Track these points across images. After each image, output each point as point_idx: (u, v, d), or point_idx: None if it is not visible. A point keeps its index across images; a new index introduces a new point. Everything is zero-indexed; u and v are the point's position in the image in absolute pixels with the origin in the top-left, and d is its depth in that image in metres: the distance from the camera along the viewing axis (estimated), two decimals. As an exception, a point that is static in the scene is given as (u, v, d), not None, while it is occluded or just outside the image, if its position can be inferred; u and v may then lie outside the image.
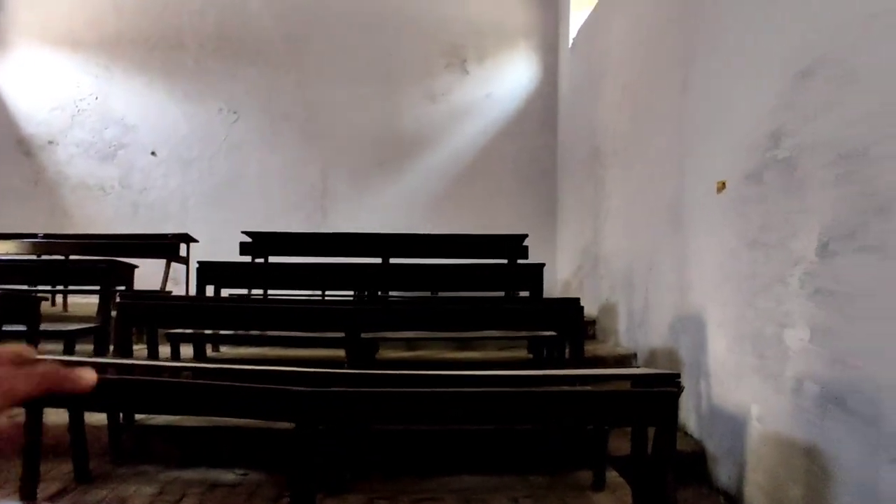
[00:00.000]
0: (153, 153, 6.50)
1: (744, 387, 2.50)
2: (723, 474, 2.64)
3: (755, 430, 2.41)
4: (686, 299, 3.09)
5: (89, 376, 0.50)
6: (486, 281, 3.74)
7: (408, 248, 4.37)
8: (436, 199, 6.56)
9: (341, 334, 2.82)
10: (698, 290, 2.97)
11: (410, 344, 4.02)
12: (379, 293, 3.91)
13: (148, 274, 4.26)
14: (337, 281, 3.73)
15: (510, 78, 6.69)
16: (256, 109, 6.58)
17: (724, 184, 2.72)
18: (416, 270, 3.74)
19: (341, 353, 2.98)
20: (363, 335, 2.87)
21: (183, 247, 4.69)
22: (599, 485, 2.44)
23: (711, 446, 2.78)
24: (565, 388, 2.10)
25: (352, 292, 4.21)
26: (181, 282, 4.81)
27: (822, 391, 1.99)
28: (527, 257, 4.17)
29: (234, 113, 6.57)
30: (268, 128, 6.57)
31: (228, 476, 2.53)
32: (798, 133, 2.19)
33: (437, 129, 6.63)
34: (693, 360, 2.97)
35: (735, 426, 2.54)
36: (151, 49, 6.54)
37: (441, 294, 4.20)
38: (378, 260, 4.19)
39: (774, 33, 2.39)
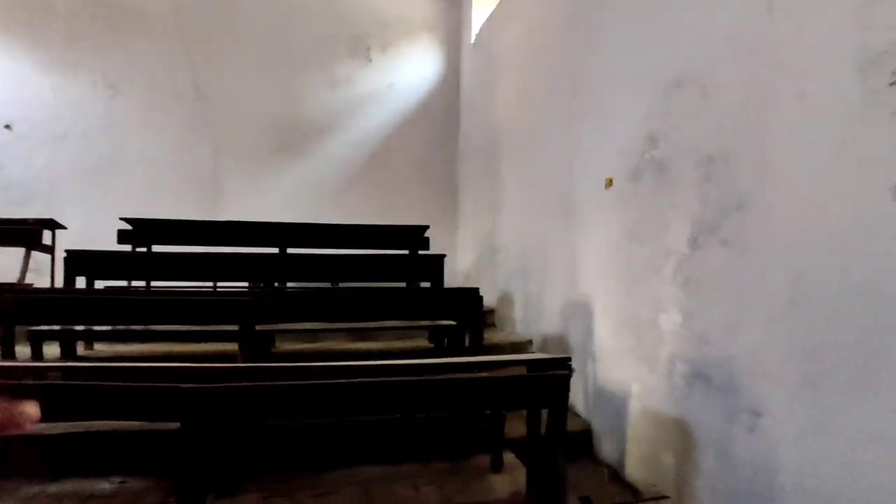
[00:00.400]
0: (7, 126, 5.72)
1: (624, 368, 2.72)
2: (607, 449, 2.86)
3: (634, 407, 2.63)
4: (575, 288, 3.30)
5: (34, 412, 0.43)
6: (388, 271, 3.73)
7: (307, 238, 4.23)
8: (337, 189, 6.41)
9: (235, 327, 2.68)
10: (586, 279, 3.17)
11: (310, 336, 3.91)
12: (276, 284, 3.77)
13: (2, 265, 3.76)
14: (229, 271, 3.53)
15: (413, 69, 6.68)
16: (139, 85, 6.01)
17: (611, 180, 2.92)
18: (315, 261, 3.64)
19: (236, 347, 2.83)
20: (258, 327, 2.75)
21: (47, 234, 4.19)
22: (497, 467, 2.54)
23: (597, 424, 2.99)
24: (465, 375, 2.15)
25: (247, 284, 4.01)
26: (45, 273, 4.28)
27: (691, 369, 2.21)
28: (428, 248, 4.21)
29: (112, 88, 5.96)
30: (153, 106, 6.03)
31: (104, 486, 2.31)
32: (670, 137, 2.41)
33: (339, 117, 6.48)
34: (581, 344, 3.18)
35: (617, 404, 2.76)
36: (9, 10, 5.74)
37: (342, 285, 4.13)
38: (275, 250, 4.03)
39: (650, 46, 2.60)
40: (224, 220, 4.54)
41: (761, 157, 1.91)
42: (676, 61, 2.38)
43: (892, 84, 1.51)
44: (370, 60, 6.56)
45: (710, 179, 2.15)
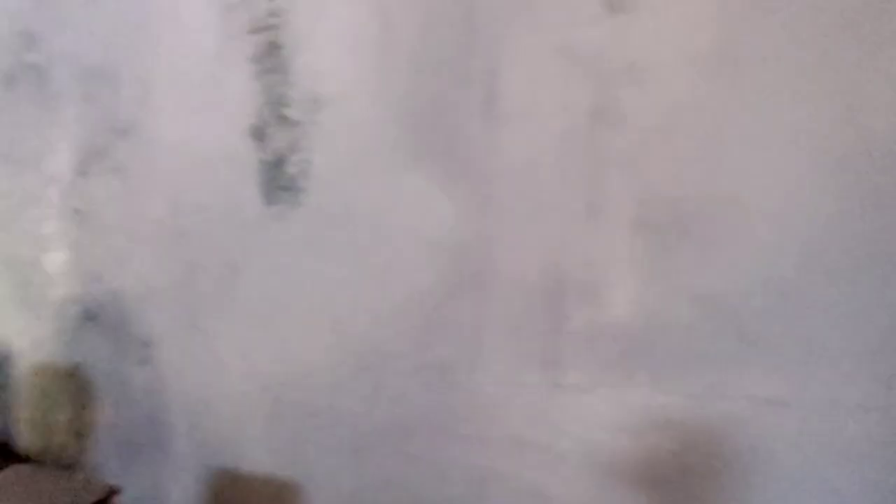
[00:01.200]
0: None
1: (7, 322, 2.24)
2: (-11, 423, 2.33)
3: (23, 365, 2.22)
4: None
5: None
6: None
7: None
8: None
9: None
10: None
11: None
12: None
13: None
14: None
15: None
16: None
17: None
18: None
19: None
20: None
21: None
22: None
23: (-24, 396, 2.39)
24: None
25: None
26: None
27: (82, 310, 2.01)
28: None
29: None
30: None
31: None
32: (51, 39, 2.01)
33: None
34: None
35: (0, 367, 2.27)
36: None
37: None
38: None
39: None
40: None
41: (145, 80, 1.82)
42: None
43: (249, 32, 1.67)
44: None
45: (95, 99, 1.92)
